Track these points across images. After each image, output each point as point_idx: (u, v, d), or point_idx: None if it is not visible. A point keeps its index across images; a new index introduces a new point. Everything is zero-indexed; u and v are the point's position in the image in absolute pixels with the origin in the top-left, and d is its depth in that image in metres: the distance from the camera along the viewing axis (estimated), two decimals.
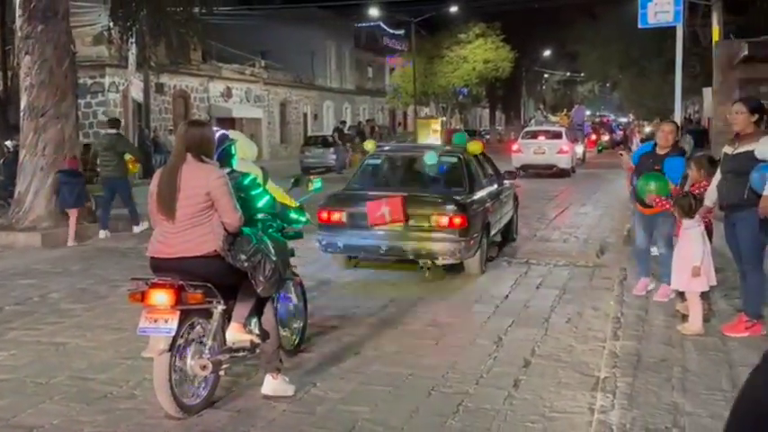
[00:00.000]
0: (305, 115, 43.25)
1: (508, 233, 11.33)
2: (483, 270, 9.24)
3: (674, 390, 4.87)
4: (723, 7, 18.83)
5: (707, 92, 23.46)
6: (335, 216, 9.01)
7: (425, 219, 8.69)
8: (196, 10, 21.42)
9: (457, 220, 8.56)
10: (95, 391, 5.23)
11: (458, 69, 44.77)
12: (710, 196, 6.50)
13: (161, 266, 4.69)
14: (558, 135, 26.07)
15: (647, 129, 22.56)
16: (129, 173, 12.97)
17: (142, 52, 24.00)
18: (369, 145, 10.76)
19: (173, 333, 4.51)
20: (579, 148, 30.27)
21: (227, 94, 35.10)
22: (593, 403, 4.84)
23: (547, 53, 62.05)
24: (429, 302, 7.85)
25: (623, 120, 66.62)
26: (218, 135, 4.97)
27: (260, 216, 5.12)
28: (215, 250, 4.58)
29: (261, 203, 5.06)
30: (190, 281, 4.58)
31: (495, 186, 10.37)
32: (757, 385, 1.61)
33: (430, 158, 9.50)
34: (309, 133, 37.74)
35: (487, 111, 70.02)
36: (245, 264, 4.66)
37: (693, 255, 6.25)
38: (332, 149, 28.39)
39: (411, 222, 8.66)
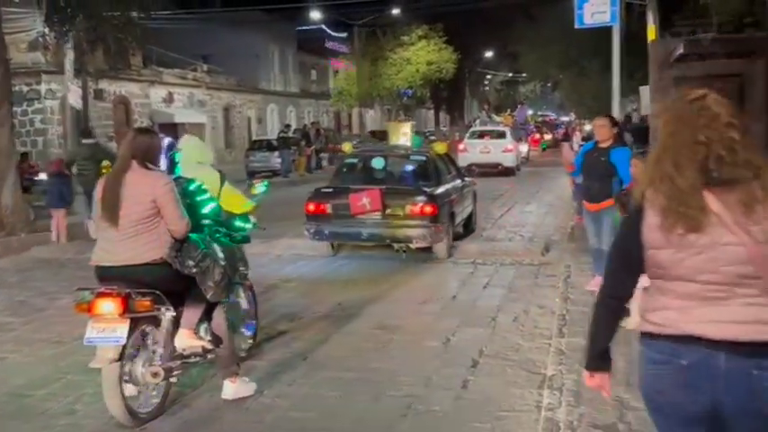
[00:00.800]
0: (249, 119, 42.86)
1: (469, 224, 12.47)
2: (450, 255, 10.31)
3: (619, 385, 4.93)
4: (658, 7, 19.23)
5: (644, 90, 23.98)
6: (321, 208, 10.25)
7: (401, 208, 9.93)
8: (134, 14, 21.00)
9: (428, 209, 9.85)
10: (33, 407, 5.07)
11: (401, 71, 44.87)
12: None
13: (106, 275, 4.60)
14: (502, 135, 26.84)
15: (587, 127, 22.98)
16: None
17: (80, 58, 23.46)
18: (347, 147, 12.18)
19: (122, 342, 4.43)
20: (523, 147, 31.11)
21: (169, 99, 34.57)
22: (540, 401, 4.88)
23: (489, 54, 62.62)
24: (377, 305, 7.83)
25: (565, 119, 67.67)
26: (165, 142, 4.89)
27: (206, 222, 5.07)
28: (161, 257, 4.54)
29: (206, 210, 5.06)
30: (137, 288, 4.52)
31: (458, 182, 11.69)
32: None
33: (377, 163, 11.06)
34: (254, 137, 37.40)
35: (432, 112, 70.37)
36: (194, 270, 4.64)
37: None
38: (277, 153, 28.15)
39: (388, 212, 9.87)
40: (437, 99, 63.59)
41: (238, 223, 5.64)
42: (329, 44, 52.99)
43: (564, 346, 5.85)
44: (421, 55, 44.28)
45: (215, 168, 5.69)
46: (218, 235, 5.20)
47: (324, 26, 50.45)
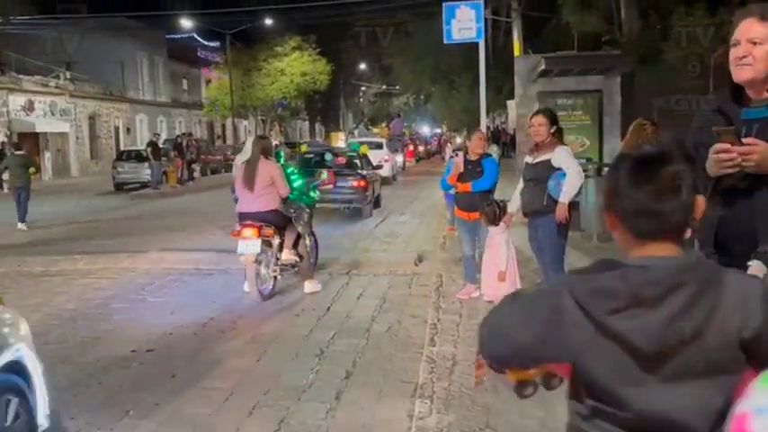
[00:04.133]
0: (116, 129, 41.45)
1: (378, 201, 18.49)
2: (371, 214, 16.90)
3: (486, 391, 5.07)
4: (523, 24, 20.07)
5: (511, 104, 24.91)
6: None
7: (346, 182, 15.69)
8: None
9: (362, 183, 16.47)
10: None
11: (276, 82, 44.64)
12: (513, 203, 6.88)
13: (247, 216, 8.35)
14: (379, 146, 28.03)
15: (458, 140, 23.74)
16: (31, 182, 16.56)
17: None
18: (303, 147, 18.62)
19: (257, 251, 8.16)
20: (399, 158, 32.30)
21: (29, 107, 32.93)
22: (411, 410, 4.95)
23: (363, 66, 63.25)
24: (250, 318, 7.73)
25: (437, 131, 69.20)
26: (275, 143, 10.74)
27: (296, 190, 8.95)
28: (275, 207, 8.45)
29: (296, 184, 9.06)
30: (263, 223, 8.22)
31: (373, 172, 18.52)
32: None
33: (328, 156, 18.42)
34: (122, 148, 36.13)
35: (307, 123, 70.33)
36: (292, 214, 8.76)
37: (499, 260, 6.58)
38: (146, 164, 27.16)
39: (338, 185, 13.31)
40: (312, 110, 63.68)
41: (311, 193, 9.55)
42: (201, 53, 52.01)
43: (435, 355, 5.97)
44: (295, 66, 44.24)
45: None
46: (303, 198, 9.22)
47: (195, 35, 49.46)
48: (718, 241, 2.90)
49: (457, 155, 9.04)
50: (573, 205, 6.47)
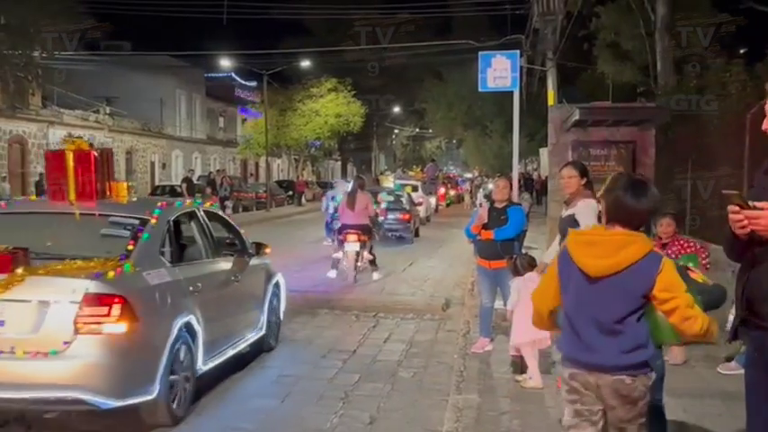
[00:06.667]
0: (152, 164, 42.07)
1: (417, 232, 22.34)
2: (412, 242, 20.65)
3: None
4: (557, 73, 20.14)
5: (543, 151, 24.92)
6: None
7: (394, 215, 20.49)
8: (36, 53, 20.47)
9: (407, 216, 20.92)
10: None
11: (310, 122, 45.11)
12: (550, 254, 6.85)
13: (349, 227, 12.70)
14: (415, 188, 29.31)
15: (490, 186, 23.85)
16: None
17: None
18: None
19: (357, 248, 12.66)
20: (432, 200, 33.44)
21: None
22: None
23: (396, 110, 63.78)
24: (276, 357, 7.74)
25: (468, 175, 69.27)
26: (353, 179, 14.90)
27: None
28: (366, 222, 12.92)
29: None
30: (359, 231, 12.61)
31: (414, 207, 22.95)
32: None
33: (383, 195, 20.70)
34: (157, 183, 36.64)
35: (339, 163, 70.82)
36: (372, 227, 13.38)
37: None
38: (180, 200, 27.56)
39: (388, 217, 19.86)
40: (345, 151, 64.10)
41: (378, 219, 15.02)
42: (238, 92, 52.81)
43: (460, 403, 5.91)
44: (330, 107, 44.70)
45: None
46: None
47: (233, 74, 50.29)
48: (747, 300, 2.90)
49: (485, 201, 9.03)
50: None
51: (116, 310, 4.96)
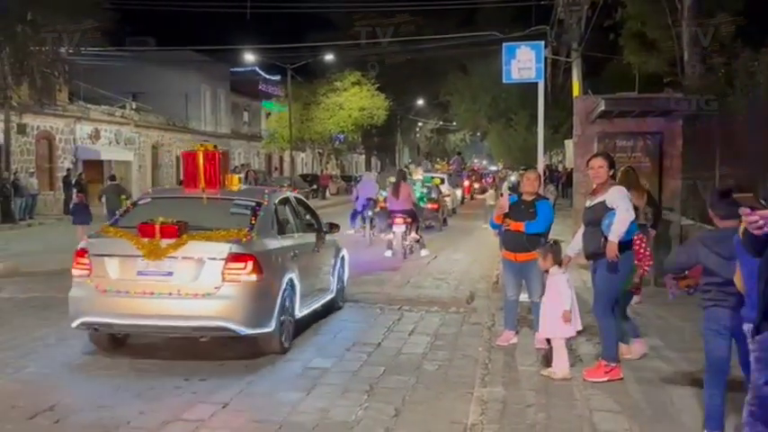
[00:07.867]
0: (177, 158, 42.33)
1: (446, 221, 24.01)
2: (441, 229, 22.26)
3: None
4: (582, 64, 19.97)
5: (568, 143, 24.73)
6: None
7: (424, 204, 21.19)
8: (63, 50, 20.67)
9: (436, 206, 22.48)
10: None
11: (334, 116, 45.19)
12: (574, 246, 6.80)
13: (396, 212, 15.64)
14: (442, 180, 29.25)
15: (512, 178, 23.67)
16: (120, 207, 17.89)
17: (3, 92, 22.88)
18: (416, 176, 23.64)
19: (404, 230, 15.65)
20: (458, 192, 33.97)
21: (96, 135, 33.92)
22: None
23: (420, 102, 63.59)
24: (301, 350, 7.76)
25: (493, 168, 68.96)
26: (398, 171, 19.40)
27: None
28: (411, 207, 16.00)
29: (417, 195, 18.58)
30: (405, 215, 15.64)
31: (442, 198, 24.42)
32: None
33: (417, 185, 21.70)
34: (182, 177, 36.86)
35: (363, 156, 70.85)
36: (415, 212, 16.40)
37: (563, 300, 6.46)
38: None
39: (420, 205, 19.93)
40: (369, 144, 64.09)
41: (420, 203, 18.93)
42: (262, 86, 52.96)
43: (485, 396, 5.89)
44: (353, 101, 44.73)
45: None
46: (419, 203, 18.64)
47: (257, 68, 50.43)
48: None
49: (510, 194, 8.94)
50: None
51: (249, 265, 6.95)
